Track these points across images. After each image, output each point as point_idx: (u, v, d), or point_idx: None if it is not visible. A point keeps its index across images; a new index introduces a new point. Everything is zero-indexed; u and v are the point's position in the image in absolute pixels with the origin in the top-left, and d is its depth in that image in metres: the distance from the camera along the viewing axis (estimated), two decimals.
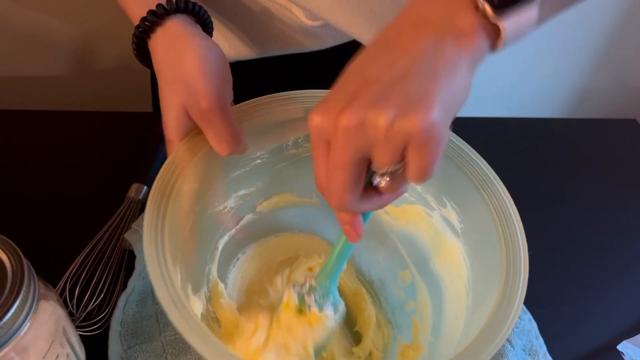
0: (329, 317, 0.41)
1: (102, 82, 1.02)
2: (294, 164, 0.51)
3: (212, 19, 0.61)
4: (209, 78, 0.42)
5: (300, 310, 0.41)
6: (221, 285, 0.48)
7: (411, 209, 0.50)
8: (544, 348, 0.52)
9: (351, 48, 0.60)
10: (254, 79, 0.68)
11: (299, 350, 0.42)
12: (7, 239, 0.35)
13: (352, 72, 0.32)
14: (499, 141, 0.76)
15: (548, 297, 0.58)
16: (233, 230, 0.51)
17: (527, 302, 0.57)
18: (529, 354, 0.51)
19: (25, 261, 0.35)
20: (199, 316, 0.42)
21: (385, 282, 0.53)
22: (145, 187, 0.59)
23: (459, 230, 0.46)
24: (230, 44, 0.64)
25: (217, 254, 0.49)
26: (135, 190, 0.59)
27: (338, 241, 0.40)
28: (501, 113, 1.17)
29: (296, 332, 0.41)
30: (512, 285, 0.38)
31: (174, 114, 0.43)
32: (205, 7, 0.59)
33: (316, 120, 0.32)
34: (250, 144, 0.45)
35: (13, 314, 0.33)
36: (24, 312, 0.34)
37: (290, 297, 0.42)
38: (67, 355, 0.39)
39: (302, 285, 0.42)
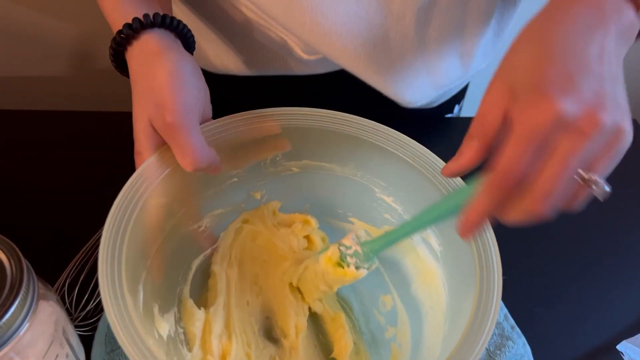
0: (362, 274, 0.44)
1: (102, 82, 1.02)
2: (272, 183, 0.51)
3: (208, 30, 0.61)
4: (177, 93, 0.41)
5: (340, 264, 0.45)
6: (193, 307, 0.46)
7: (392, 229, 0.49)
8: None
9: (340, 75, 0.60)
10: (240, 95, 0.68)
11: (325, 289, 0.46)
12: (6, 239, 0.35)
13: (555, 77, 0.32)
14: None
15: (548, 297, 0.58)
16: (209, 250, 0.50)
17: (527, 302, 0.57)
18: None
19: (24, 261, 0.35)
20: (165, 337, 0.41)
21: (367, 306, 0.52)
22: None
23: (438, 254, 0.46)
24: (220, 59, 0.64)
25: (190, 274, 0.48)
26: None
27: (398, 227, 0.43)
28: None
29: (329, 278, 0.45)
30: (484, 311, 0.37)
31: (141, 126, 0.43)
32: (202, 21, 0.59)
33: (565, 108, 0.30)
34: (225, 162, 0.44)
35: (12, 314, 0.33)
36: (23, 312, 0.34)
37: (334, 253, 0.45)
38: (67, 355, 0.39)
39: (348, 247, 0.44)
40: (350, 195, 0.51)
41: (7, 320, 0.32)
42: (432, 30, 0.56)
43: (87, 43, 0.97)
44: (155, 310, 0.41)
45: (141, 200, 0.40)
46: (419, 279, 0.48)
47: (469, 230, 0.35)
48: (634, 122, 0.84)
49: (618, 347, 0.53)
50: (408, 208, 0.48)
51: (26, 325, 0.34)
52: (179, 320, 0.45)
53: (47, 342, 0.37)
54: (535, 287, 0.59)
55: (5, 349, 0.33)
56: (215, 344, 0.44)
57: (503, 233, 0.63)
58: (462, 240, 0.39)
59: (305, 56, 0.58)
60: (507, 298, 0.57)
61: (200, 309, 0.46)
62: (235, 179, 0.49)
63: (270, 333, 0.50)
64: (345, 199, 0.52)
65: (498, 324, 0.53)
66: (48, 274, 0.39)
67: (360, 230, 0.46)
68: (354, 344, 0.49)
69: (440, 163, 0.45)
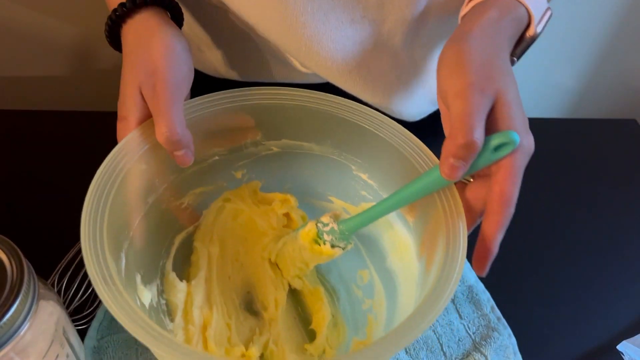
0: (338, 253, 0.46)
1: (102, 82, 1.02)
2: (253, 163, 0.52)
3: (207, 37, 0.62)
4: (170, 65, 0.43)
5: (316, 241, 0.46)
6: (175, 279, 0.47)
7: (369, 206, 0.50)
8: None
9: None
10: None
11: (301, 266, 0.49)
12: (7, 239, 0.36)
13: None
14: None
15: (548, 297, 0.58)
16: (192, 227, 0.51)
17: (527, 302, 0.57)
18: None
19: (25, 261, 0.35)
20: (147, 306, 0.42)
21: (346, 281, 0.54)
22: None
23: (411, 225, 0.47)
24: (221, 64, 0.64)
25: (173, 249, 0.49)
26: None
27: (374, 206, 0.44)
28: None
29: (306, 255, 0.48)
30: (447, 275, 0.37)
31: (129, 91, 0.44)
32: (203, 28, 0.60)
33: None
34: (205, 141, 0.46)
35: (12, 314, 0.33)
36: (24, 312, 0.34)
37: (312, 230, 0.47)
38: (67, 355, 0.39)
39: (326, 225, 0.46)
40: (329, 174, 0.52)
41: (8, 320, 0.32)
42: (420, 48, 0.58)
43: (87, 43, 0.97)
44: (138, 279, 0.42)
45: (123, 171, 0.41)
46: (394, 251, 0.50)
47: (488, 263, 0.38)
48: (634, 122, 0.84)
49: (618, 347, 0.54)
50: (383, 184, 0.49)
51: (27, 325, 0.34)
52: (161, 292, 0.46)
53: (47, 342, 0.37)
54: (535, 288, 0.59)
55: (6, 349, 0.33)
56: (196, 314, 0.45)
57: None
58: (432, 209, 0.41)
59: (303, 69, 0.58)
60: (507, 298, 0.57)
61: (182, 281, 0.47)
62: (217, 158, 0.50)
63: (252, 306, 0.51)
64: (324, 177, 0.53)
65: (484, 315, 0.54)
66: (47, 274, 0.40)
67: (339, 210, 0.48)
68: (332, 316, 0.50)
69: (414, 139, 0.46)
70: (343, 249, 0.47)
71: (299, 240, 0.48)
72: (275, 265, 0.52)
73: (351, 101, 0.48)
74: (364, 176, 0.50)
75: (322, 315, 0.50)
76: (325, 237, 0.46)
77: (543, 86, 1.28)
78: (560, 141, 0.78)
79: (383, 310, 0.49)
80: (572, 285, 0.59)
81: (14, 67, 0.99)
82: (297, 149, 0.51)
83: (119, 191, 0.39)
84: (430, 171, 0.40)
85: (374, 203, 0.49)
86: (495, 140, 0.37)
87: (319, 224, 0.47)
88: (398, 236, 0.48)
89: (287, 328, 0.49)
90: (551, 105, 1.33)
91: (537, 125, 0.81)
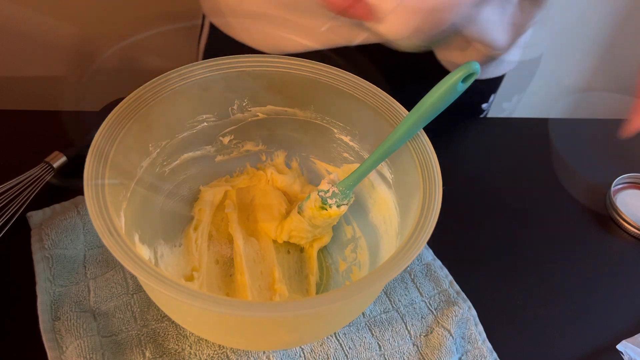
0: (344, 209, 0.51)
1: (102, 82, 1.02)
2: (240, 129, 0.54)
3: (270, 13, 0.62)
4: None
5: (323, 207, 0.51)
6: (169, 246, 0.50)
7: (351, 168, 0.54)
8: (484, 335, 0.53)
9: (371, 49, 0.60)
10: None
11: (314, 231, 0.54)
12: None
13: None
14: (499, 141, 0.76)
15: (548, 296, 0.58)
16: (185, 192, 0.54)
17: (527, 300, 0.57)
18: (468, 342, 0.52)
19: None
20: None
21: (333, 239, 0.57)
22: (65, 157, 0.61)
23: (391, 182, 0.50)
24: (284, 38, 0.64)
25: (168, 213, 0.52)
26: (53, 157, 0.61)
27: (362, 163, 0.48)
28: (501, 113, 1.18)
29: (317, 221, 0.52)
30: (424, 222, 0.40)
31: None
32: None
33: None
34: (194, 108, 0.49)
35: None
36: None
37: (316, 200, 0.51)
38: None
39: (326, 192, 0.51)
40: (312, 138, 0.55)
41: None
42: None
43: (87, 43, 0.97)
44: (135, 238, 0.44)
45: (120, 135, 0.42)
46: (375, 207, 0.53)
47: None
48: None
49: (618, 347, 0.54)
50: (364, 145, 0.53)
51: None
52: (160, 256, 0.49)
53: None
54: (535, 286, 0.59)
55: None
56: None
57: (504, 234, 0.63)
58: (409, 166, 0.45)
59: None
60: (506, 299, 0.57)
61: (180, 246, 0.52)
62: (205, 124, 0.52)
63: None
64: (308, 141, 0.56)
65: (444, 290, 0.55)
66: None
67: (332, 174, 0.52)
68: (324, 270, 0.55)
69: (390, 99, 0.49)
70: (347, 204, 0.51)
71: (307, 212, 0.52)
72: (276, 242, 0.55)
73: (330, 66, 0.50)
74: (346, 139, 0.53)
75: (314, 264, 0.54)
76: (330, 201, 0.50)
77: (543, 86, 1.28)
78: (560, 141, 0.78)
79: (366, 260, 0.53)
80: (573, 285, 0.59)
81: (14, 67, 0.99)
82: (281, 114, 0.53)
83: (116, 153, 0.41)
84: (404, 120, 0.45)
85: (356, 164, 0.53)
86: (462, 72, 0.41)
87: (320, 193, 0.51)
88: (378, 193, 0.52)
89: (287, 276, 0.53)
90: (551, 105, 1.33)
91: (537, 125, 0.81)
